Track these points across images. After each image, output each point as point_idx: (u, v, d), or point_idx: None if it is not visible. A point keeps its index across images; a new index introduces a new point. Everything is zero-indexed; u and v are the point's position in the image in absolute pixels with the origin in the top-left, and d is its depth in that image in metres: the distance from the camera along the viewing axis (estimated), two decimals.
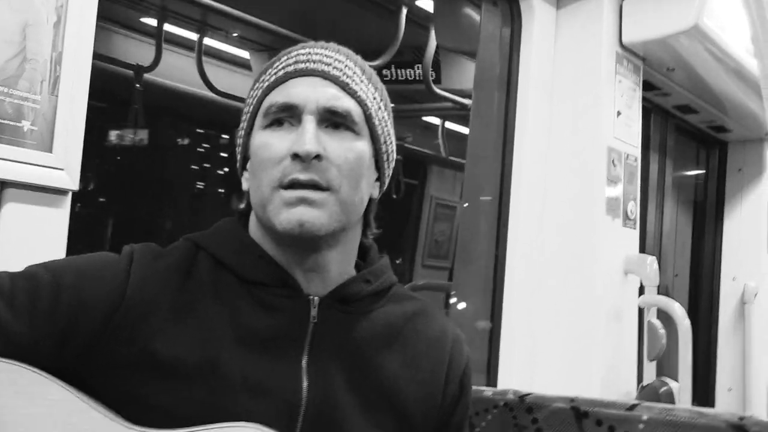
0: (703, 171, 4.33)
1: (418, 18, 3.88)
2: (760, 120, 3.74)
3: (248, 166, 1.27)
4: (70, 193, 1.52)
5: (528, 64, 2.74)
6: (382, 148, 1.28)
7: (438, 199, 7.04)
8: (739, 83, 3.24)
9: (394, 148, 1.33)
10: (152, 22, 4.09)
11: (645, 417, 1.50)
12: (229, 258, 1.24)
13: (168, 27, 4.10)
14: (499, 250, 2.73)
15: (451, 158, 5.78)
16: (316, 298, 1.23)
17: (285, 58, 1.26)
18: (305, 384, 1.19)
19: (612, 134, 2.77)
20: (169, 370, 1.15)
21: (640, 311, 2.94)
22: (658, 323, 2.92)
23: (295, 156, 1.18)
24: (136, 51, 4.18)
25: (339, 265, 1.27)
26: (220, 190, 6.47)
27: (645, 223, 3.57)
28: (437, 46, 3.82)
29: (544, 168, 2.76)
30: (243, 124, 1.29)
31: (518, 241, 2.70)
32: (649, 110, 3.46)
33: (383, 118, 1.28)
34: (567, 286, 2.68)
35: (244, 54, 4.88)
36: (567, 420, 1.56)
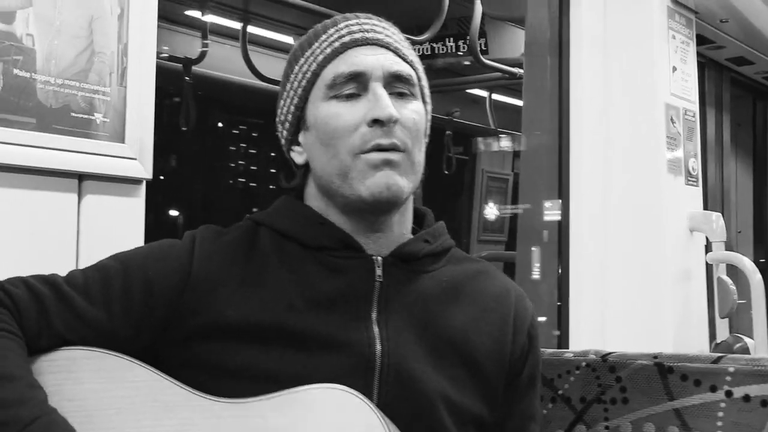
0: (761, 123, 4.25)
1: None
2: None
3: (302, 139, 1.29)
4: (144, 182, 1.54)
5: (579, 25, 2.71)
6: (428, 107, 1.32)
7: (489, 173, 7.00)
8: None
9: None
10: (197, 14, 4.11)
11: (732, 369, 1.47)
12: (291, 228, 1.27)
13: (212, 18, 4.12)
14: (562, 217, 2.71)
15: (500, 130, 5.74)
16: (379, 257, 1.26)
17: (333, 30, 1.28)
18: (378, 338, 1.21)
19: (669, 91, 2.73)
20: (243, 334, 1.18)
21: (708, 269, 2.90)
22: (728, 279, 2.88)
23: (375, 122, 1.21)
24: (182, 44, 4.21)
25: (399, 226, 1.29)
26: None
27: (705, 180, 3.51)
28: (483, 16, 3.79)
29: (602, 131, 2.73)
30: (291, 99, 1.30)
31: (582, 208, 2.68)
32: (702, 65, 3.40)
33: (425, 78, 1.33)
34: (633, 247, 2.66)
35: (289, 39, 4.89)
36: (651, 376, 1.54)
